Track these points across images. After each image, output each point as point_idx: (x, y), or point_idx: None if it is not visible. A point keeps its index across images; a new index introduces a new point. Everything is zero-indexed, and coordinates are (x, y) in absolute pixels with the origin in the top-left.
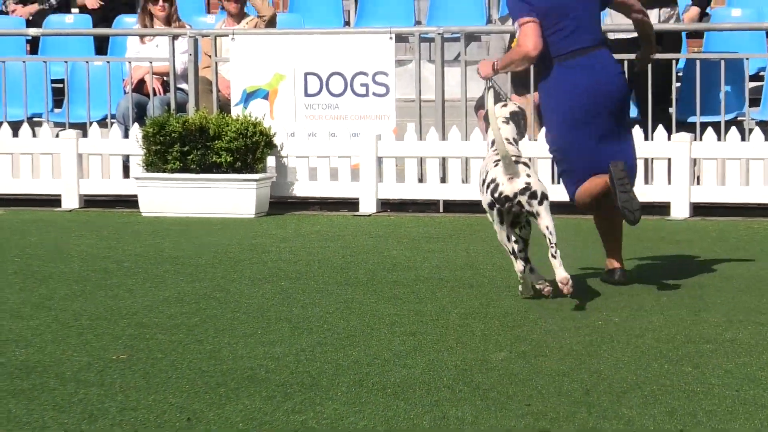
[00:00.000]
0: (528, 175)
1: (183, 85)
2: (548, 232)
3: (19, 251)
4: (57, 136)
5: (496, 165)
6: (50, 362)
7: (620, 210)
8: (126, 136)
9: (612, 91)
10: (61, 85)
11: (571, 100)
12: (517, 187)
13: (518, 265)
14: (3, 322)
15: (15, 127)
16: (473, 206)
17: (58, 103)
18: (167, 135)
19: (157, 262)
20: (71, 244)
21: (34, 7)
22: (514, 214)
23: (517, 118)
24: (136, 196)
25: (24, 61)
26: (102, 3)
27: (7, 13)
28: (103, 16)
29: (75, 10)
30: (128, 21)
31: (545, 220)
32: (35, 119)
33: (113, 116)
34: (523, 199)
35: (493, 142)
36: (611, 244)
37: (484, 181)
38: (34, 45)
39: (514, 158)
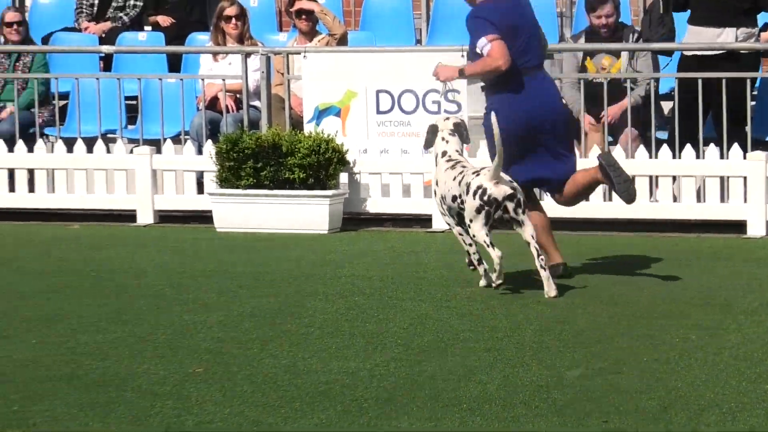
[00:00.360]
0: (511, 180)
1: (256, 103)
2: (534, 243)
3: (96, 266)
4: (131, 152)
5: (477, 174)
6: (127, 375)
7: (619, 191)
8: (200, 152)
9: (551, 112)
10: (134, 102)
11: (523, 115)
12: (504, 192)
13: (497, 251)
14: (80, 335)
15: (89, 143)
16: None
17: (131, 119)
18: (240, 151)
19: (231, 277)
20: (146, 259)
21: (106, 25)
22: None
23: (460, 129)
24: (210, 211)
25: (98, 78)
26: (174, 21)
27: (80, 31)
28: (175, 34)
29: (148, 28)
30: (201, 39)
31: (529, 229)
32: (109, 135)
33: (187, 133)
34: (510, 205)
35: (443, 153)
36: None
37: (456, 192)
38: (107, 62)
39: (480, 168)
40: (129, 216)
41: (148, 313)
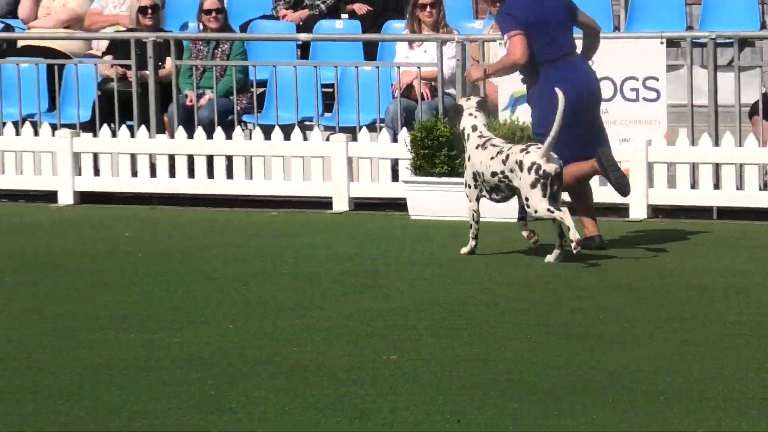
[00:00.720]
0: (557, 158)
1: (450, 90)
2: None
3: (292, 252)
4: (327, 139)
5: (526, 152)
6: (322, 361)
7: (615, 186)
8: (395, 140)
9: (590, 91)
10: (330, 90)
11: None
12: (555, 168)
13: (564, 212)
14: (277, 321)
15: (286, 130)
16: (749, 213)
17: (328, 107)
18: (435, 139)
19: (425, 264)
20: (342, 247)
21: (304, 13)
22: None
23: (485, 105)
24: (404, 199)
25: (295, 66)
26: (371, 9)
27: (278, 18)
28: (372, 22)
29: (344, 16)
30: (397, 26)
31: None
32: (306, 123)
33: (382, 120)
34: (556, 183)
35: (474, 128)
36: (588, 212)
37: (499, 167)
38: (304, 50)
39: (524, 144)
40: (325, 203)
41: (342, 299)
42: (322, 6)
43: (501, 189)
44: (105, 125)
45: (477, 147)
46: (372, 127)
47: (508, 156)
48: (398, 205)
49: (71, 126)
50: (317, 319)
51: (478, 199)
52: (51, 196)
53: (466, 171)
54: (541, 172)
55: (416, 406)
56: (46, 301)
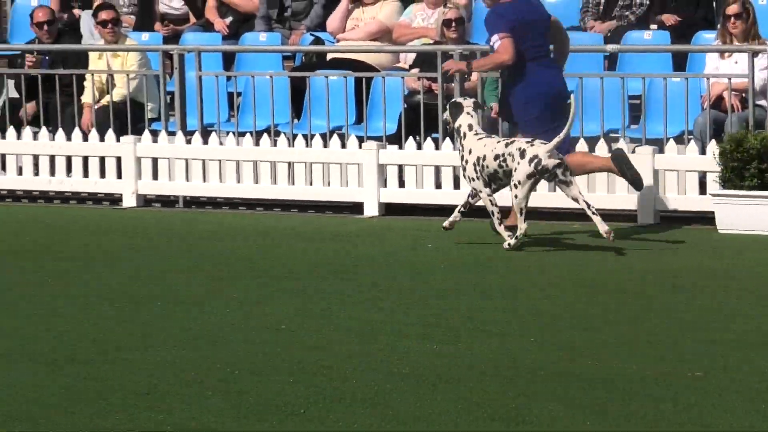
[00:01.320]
0: (557, 151)
1: (761, 102)
2: (582, 197)
3: (592, 265)
4: (633, 151)
5: (532, 144)
6: (622, 375)
7: (631, 181)
8: (703, 152)
9: (562, 91)
10: (637, 101)
11: (546, 96)
12: (554, 162)
13: (526, 224)
14: (573, 333)
15: (591, 142)
16: None
17: (634, 119)
18: (745, 152)
19: (728, 277)
20: (640, 259)
21: (612, 24)
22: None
23: (479, 106)
24: (712, 212)
25: (601, 77)
26: (680, 19)
27: (585, 30)
28: (681, 33)
29: (653, 27)
30: (707, 37)
31: (576, 188)
32: (611, 134)
33: (690, 132)
34: (559, 171)
35: (470, 126)
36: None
37: (504, 156)
38: (611, 61)
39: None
40: (630, 215)
41: (645, 313)
42: (631, 17)
43: (498, 176)
44: (410, 138)
45: (479, 139)
46: (679, 139)
47: (512, 141)
48: (705, 218)
49: (377, 138)
50: (613, 334)
51: (488, 186)
52: (357, 207)
53: (467, 168)
54: (540, 167)
55: (721, 424)
56: (343, 308)
